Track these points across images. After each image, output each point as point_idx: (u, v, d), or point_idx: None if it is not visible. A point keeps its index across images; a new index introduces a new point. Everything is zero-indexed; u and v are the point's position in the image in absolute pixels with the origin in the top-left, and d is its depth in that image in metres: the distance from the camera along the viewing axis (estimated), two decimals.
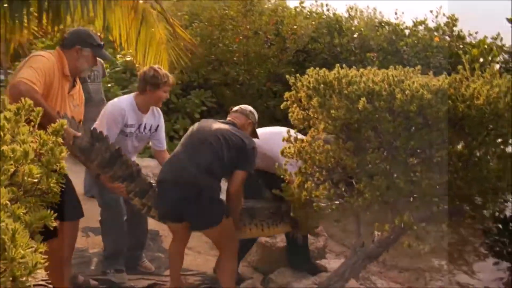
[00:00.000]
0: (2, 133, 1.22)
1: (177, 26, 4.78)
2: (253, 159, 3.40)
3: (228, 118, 3.61)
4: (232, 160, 3.31)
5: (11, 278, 0.95)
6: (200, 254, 4.65)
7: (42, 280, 3.37)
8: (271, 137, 3.77)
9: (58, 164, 1.41)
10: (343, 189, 3.01)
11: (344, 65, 3.13)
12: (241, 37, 8.07)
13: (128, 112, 3.71)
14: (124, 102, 3.78)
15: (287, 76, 3.32)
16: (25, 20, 3.78)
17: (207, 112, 8.02)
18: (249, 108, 3.69)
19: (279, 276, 4.03)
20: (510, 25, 3.88)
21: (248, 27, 8.11)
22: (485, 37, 6.89)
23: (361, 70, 3.20)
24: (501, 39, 6.94)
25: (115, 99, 3.96)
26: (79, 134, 3.10)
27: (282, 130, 3.73)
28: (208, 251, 4.69)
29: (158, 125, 3.94)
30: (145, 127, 3.84)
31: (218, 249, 3.68)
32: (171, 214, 3.35)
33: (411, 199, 2.80)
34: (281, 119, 7.19)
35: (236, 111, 3.65)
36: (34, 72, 2.86)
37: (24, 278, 0.96)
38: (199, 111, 7.93)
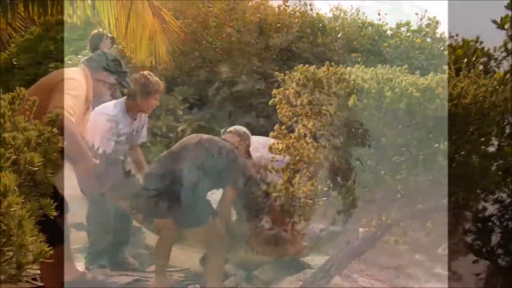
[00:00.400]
0: (2, 120, 1.19)
1: (165, 13, 4.70)
2: (241, 175, 3.41)
3: (223, 137, 3.63)
4: (221, 167, 3.33)
5: (15, 266, 0.93)
6: (184, 251, 4.62)
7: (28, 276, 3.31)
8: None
9: (55, 154, 1.39)
10: (330, 185, 3.04)
11: (333, 63, 3.15)
12: (224, 35, 8.03)
13: (121, 123, 3.68)
14: (116, 113, 3.68)
15: (276, 73, 3.33)
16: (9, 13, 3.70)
17: (190, 109, 7.97)
18: (243, 129, 3.73)
19: (263, 272, 4.03)
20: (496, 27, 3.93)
21: (231, 24, 8.08)
22: (463, 39, 6.97)
23: (349, 68, 3.23)
24: (481, 42, 7.06)
25: (107, 107, 3.74)
26: (98, 162, 3.06)
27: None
28: (191, 247, 4.67)
29: (142, 126, 3.93)
30: (132, 132, 3.82)
31: (205, 249, 3.69)
32: (156, 208, 3.35)
33: (398, 195, 2.84)
34: (265, 116, 7.21)
35: (230, 131, 3.67)
36: (73, 102, 2.77)
37: (29, 266, 0.95)
38: (182, 108, 7.87)
